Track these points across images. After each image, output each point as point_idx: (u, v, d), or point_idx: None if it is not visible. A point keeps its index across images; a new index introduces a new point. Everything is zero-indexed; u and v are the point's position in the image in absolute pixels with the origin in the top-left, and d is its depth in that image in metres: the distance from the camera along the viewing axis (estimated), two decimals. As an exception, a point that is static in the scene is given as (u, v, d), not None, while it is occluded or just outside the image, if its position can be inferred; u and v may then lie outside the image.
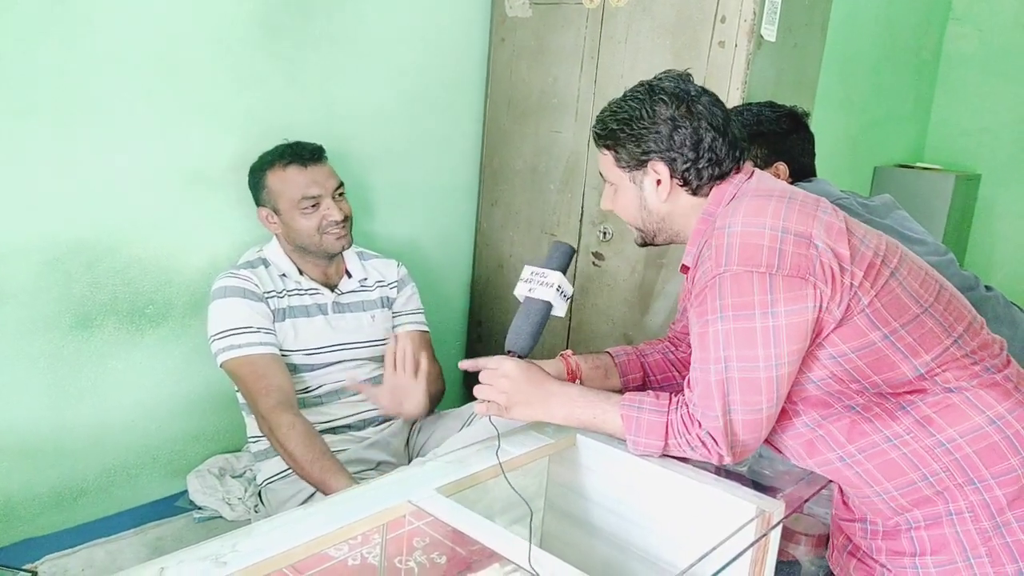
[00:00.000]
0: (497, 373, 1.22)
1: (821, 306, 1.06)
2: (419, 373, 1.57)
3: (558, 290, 1.23)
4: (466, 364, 1.32)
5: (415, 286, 1.95)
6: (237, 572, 0.88)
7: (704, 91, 1.22)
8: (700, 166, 1.19)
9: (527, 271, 1.26)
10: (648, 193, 1.24)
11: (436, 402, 1.82)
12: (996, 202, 4.18)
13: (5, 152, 1.51)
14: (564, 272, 1.26)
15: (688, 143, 1.19)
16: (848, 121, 3.63)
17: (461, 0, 2.26)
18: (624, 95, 1.24)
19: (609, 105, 1.26)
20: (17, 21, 1.47)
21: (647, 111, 1.20)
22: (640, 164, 1.22)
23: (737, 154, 1.22)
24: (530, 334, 1.23)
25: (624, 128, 1.21)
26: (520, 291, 1.25)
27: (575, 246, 2.22)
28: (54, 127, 1.56)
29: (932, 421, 1.08)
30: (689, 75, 1.24)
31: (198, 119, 1.76)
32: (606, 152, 1.26)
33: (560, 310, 1.25)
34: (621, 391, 1.41)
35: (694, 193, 1.22)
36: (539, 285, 1.24)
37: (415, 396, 1.58)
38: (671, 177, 1.21)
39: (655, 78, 1.24)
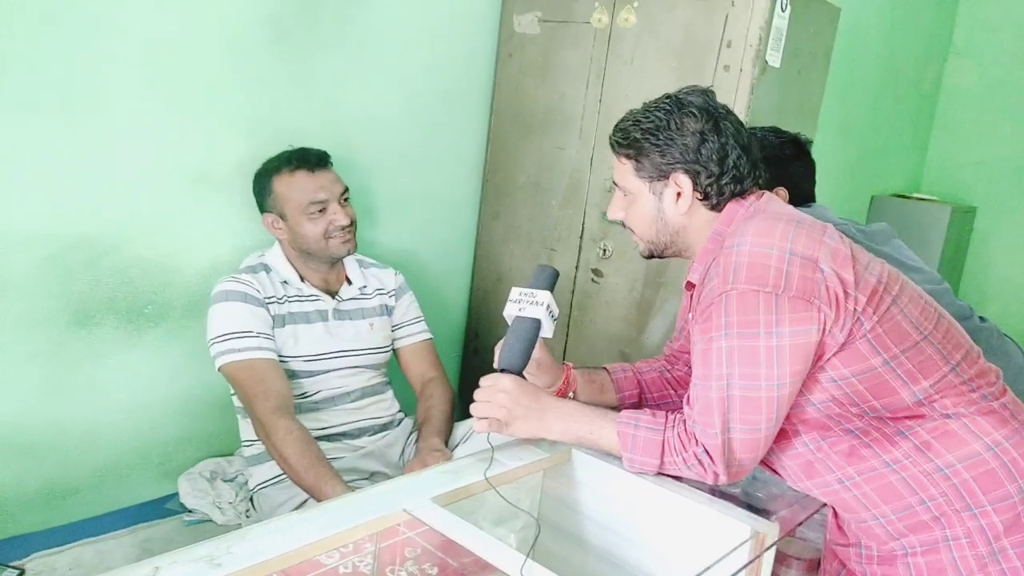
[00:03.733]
0: (494, 389, 1.22)
1: (824, 329, 1.07)
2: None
3: (547, 309, 1.25)
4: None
5: (413, 294, 1.96)
6: (230, 574, 0.88)
7: (729, 109, 1.23)
8: (723, 182, 1.19)
9: (515, 292, 1.28)
10: (667, 205, 1.23)
11: (452, 406, 1.83)
12: (991, 235, 4.22)
13: (9, 146, 1.51)
14: (551, 292, 1.28)
15: (714, 158, 1.18)
16: (847, 150, 3.67)
17: (469, 14, 2.28)
18: (647, 106, 1.23)
19: (631, 114, 1.24)
20: (23, 16, 1.48)
21: (675, 122, 1.19)
22: (662, 175, 1.21)
23: (757, 174, 1.23)
24: (522, 352, 1.24)
25: (649, 137, 1.20)
26: (510, 312, 1.27)
27: (575, 262, 2.23)
28: (59, 122, 1.56)
29: (931, 446, 1.08)
30: (713, 91, 1.24)
31: (204, 119, 1.77)
32: (625, 161, 1.24)
33: (548, 330, 1.26)
34: (616, 407, 1.42)
35: (712, 208, 1.22)
36: (529, 304, 1.25)
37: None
38: (693, 190, 1.21)
39: (681, 91, 1.23)
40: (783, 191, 1.73)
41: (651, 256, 1.31)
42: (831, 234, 1.14)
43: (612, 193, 1.32)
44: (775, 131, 1.75)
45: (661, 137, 1.19)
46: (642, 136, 1.21)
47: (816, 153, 1.84)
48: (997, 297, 4.21)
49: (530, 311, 1.25)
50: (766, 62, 1.87)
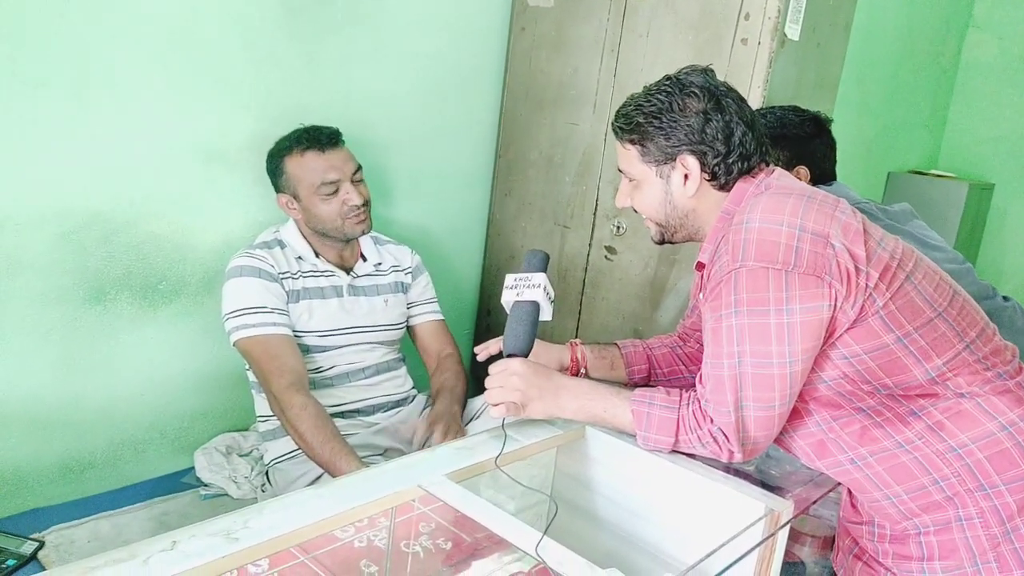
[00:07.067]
0: (506, 373, 1.22)
1: (836, 305, 1.06)
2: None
3: (544, 291, 1.26)
4: (479, 349, 1.38)
5: (428, 274, 1.96)
6: (248, 548, 0.89)
7: (729, 87, 1.22)
8: (730, 160, 1.18)
9: (510, 279, 1.28)
10: (675, 188, 1.22)
11: (466, 384, 1.83)
12: (1009, 212, 4.17)
13: (24, 124, 1.51)
14: (545, 274, 1.28)
15: (720, 136, 1.17)
16: (864, 125, 3.62)
17: (482, -12, 2.26)
18: (648, 89, 1.23)
19: (632, 99, 1.24)
20: (39, -7, 1.47)
21: (677, 104, 1.18)
22: (668, 158, 1.20)
23: (764, 150, 1.22)
24: (526, 335, 1.24)
25: (653, 121, 1.19)
26: (507, 298, 1.27)
27: (589, 239, 2.22)
28: (73, 100, 1.56)
29: (943, 426, 1.08)
30: (712, 70, 1.23)
31: (216, 97, 1.76)
32: (629, 147, 1.24)
33: (547, 313, 1.27)
34: (626, 383, 1.42)
35: (721, 188, 1.21)
36: (526, 288, 1.26)
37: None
38: (700, 171, 1.20)
39: (680, 72, 1.22)
40: (804, 170, 1.71)
41: (662, 241, 1.30)
42: (843, 209, 1.12)
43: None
44: (795, 109, 1.73)
45: (665, 120, 1.18)
46: (645, 120, 1.20)
47: (833, 128, 1.81)
48: (1015, 274, 4.17)
49: (528, 294, 1.25)
50: (785, 35, 1.84)
